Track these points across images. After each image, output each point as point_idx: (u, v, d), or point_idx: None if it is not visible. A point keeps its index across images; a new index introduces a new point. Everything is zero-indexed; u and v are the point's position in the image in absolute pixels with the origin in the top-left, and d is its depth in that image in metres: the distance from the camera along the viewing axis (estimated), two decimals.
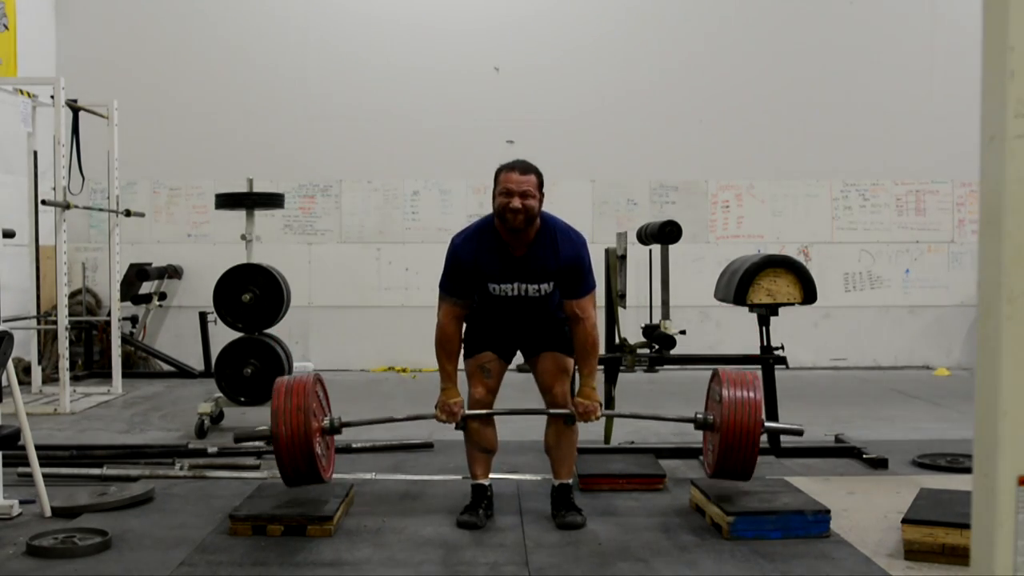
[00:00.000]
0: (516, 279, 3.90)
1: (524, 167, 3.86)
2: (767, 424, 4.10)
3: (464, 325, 4.06)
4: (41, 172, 7.46)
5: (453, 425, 4.00)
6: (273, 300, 6.05)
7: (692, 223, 8.94)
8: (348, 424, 4.12)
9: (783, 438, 5.25)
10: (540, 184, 3.87)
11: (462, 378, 3.99)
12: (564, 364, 4.04)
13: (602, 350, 4.80)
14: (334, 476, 4.68)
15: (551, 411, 4.03)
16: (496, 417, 4.11)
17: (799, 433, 4.29)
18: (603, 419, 4.20)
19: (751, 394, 3.95)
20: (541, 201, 3.87)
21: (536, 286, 3.91)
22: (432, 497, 4.42)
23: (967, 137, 8.91)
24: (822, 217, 9.57)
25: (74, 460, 4.96)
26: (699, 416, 4.11)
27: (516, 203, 3.77)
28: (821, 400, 7.40)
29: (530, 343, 4.09)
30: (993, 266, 1.43)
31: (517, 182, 3.79)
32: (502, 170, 3.88)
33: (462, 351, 4.05)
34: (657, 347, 5.31)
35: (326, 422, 4.05)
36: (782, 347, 5.28)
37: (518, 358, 4.22)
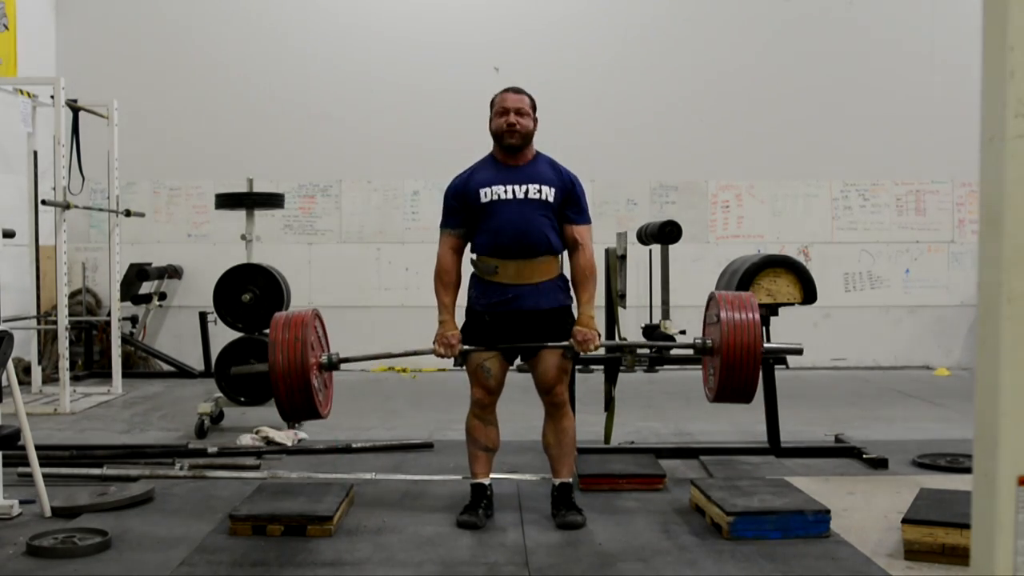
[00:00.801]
0: (511, 182, 3.95)
1: (517, 89, 4.07)
2: (766, 345, 4.09)
3: (464, 318, 4.05)
4: (41, 172, 7.46)
5: (452, 361, 3.99)
6: (273, 300, 6.05)
7: (692, 223, 8.94)
8: (346, 360, 4.10)
9: (783, 438, 5.25)
10: (534, 107, 4.03)
11: (463, 393, 3.99)
12: (564, 365, 4.03)
13: (602, 350, 4.79)
14: (334, 476, 4.70)
15: (551, 344, 3.95)
16: (498, 419, 4.09)
17: (799, 352, 4.29)
18: (601, 351, 4.16)
19: (749, 315, 3.95)
20: (535, 124, 4.03)
21: (536, 187, 3.94)
22: (432, 497, 4.42)
23: (967, 137, 8.89)
24: (822, 217, 9.57)
25: (74, 460, 4.97)
26: (698, 341, 4.13)
27: (512, 119, 3.93)
28: (821, 400, 7.40)
29: (531, 336, 4.06)
30: (993, 266, 1.43)
31: (512, 101, 3.98)
32: (496, 95, 4.05)
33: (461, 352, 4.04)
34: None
35: (324, 357, 4.05)
36: None
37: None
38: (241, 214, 6.36)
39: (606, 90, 9.41)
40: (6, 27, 8.20)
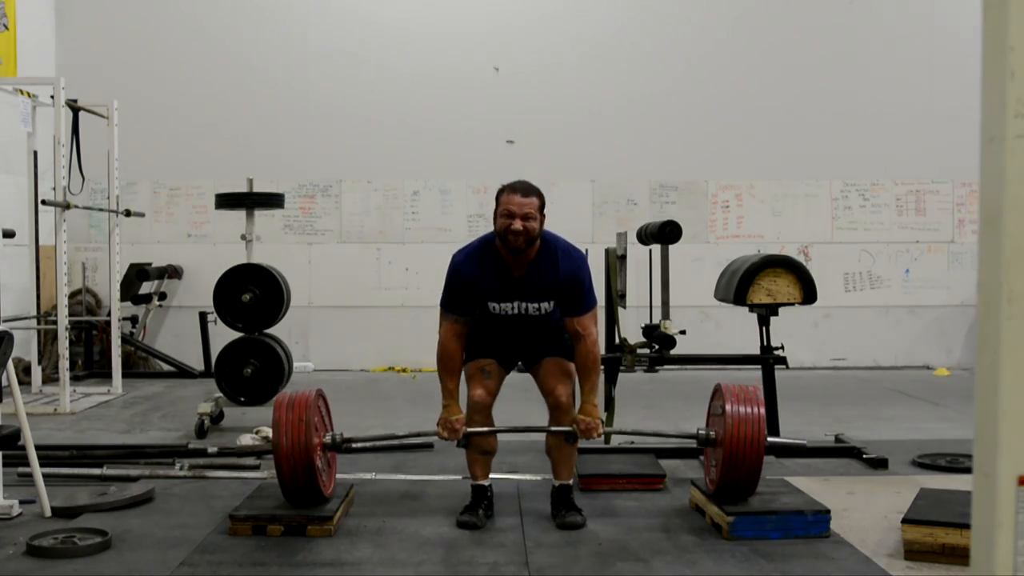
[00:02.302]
0: (516, 298, 3.94)
1: (526, 189, 3.89)
2: (770, 439, 4.08)
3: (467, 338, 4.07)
4: (41, 172, 7.46)
5: (455, 443, 4.00)
6: (273, 300, 6.05)
7: (692, 223, 8.94)
8: (350, 440, 4.10)
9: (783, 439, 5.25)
10: (542, 206, 3.89)
11: (463, 395, 3.99)
12: (566, 367, 4.05)
13: (602, 350, 4.80)
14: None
15: (553, 428, 4.03)
16: (497, 420, 4.10)
17: (803, 448, 4.29)
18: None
19: (754, 409, 3.93)
20: (542, 223, 3.90)
21: (536, 304, 3.94)
22: (432, 497, 4.42)
23: (967, 137, 8.92)
24: (822, 217, 9.57)
25: (74, 460, 4.96)
26: (701, 432, 4.09)
27: (518, 225, 3.79)
28: (821, 400, 7.40)
29: (531, 354, 4.11)
30: (993, 266, 1.43)
31: (519, 204, 3.82)
32: (503, 191, 3.90)
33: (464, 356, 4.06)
34: (657, 347, 5.31)
35: (327, 438, 4.05)
36: (782, 347, 5.28)
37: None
38: (241, 214, 6.36)
39: (606, 90, 9.41)
40: (6, 27, 8.20)
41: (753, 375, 5.38)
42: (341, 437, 4.07)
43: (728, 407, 3.92)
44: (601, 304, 4.53)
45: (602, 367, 4.98)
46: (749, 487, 3.93)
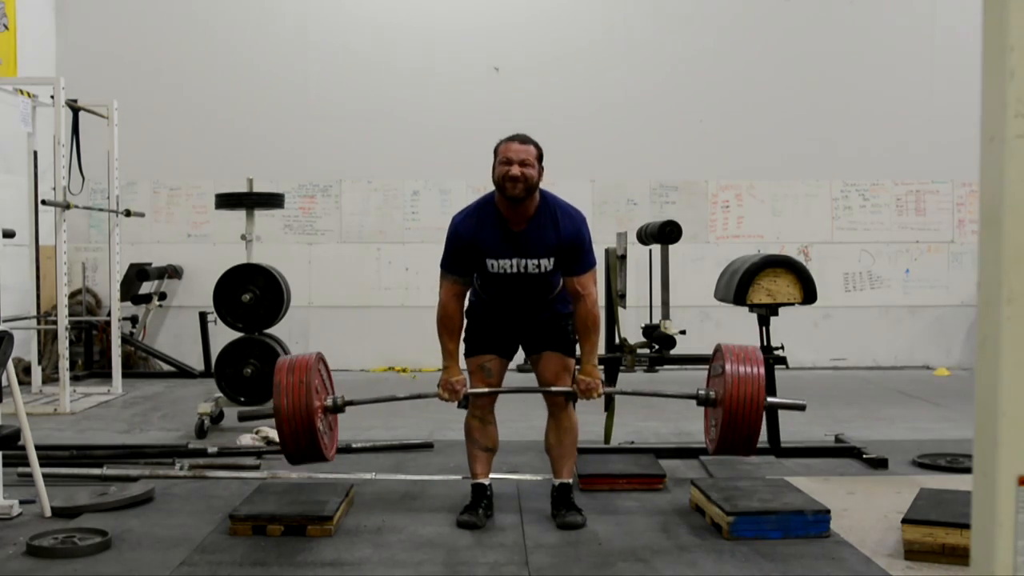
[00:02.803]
0: (515, 254, 3.89)
1: (523, 138, 3.92)
2: (769, 399, 4.09)
3: (465, 321, 4.06)
4: (41, 172, 7.46)
5: (456, 404, 3.99)
6: (273, 300, 6.05)
7: (692, 223, 8.94)
8: (351, 403, 4.09)
9: (783, 438, 5.25)
10: (540, 156, 3.90)
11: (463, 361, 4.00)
12: (566, 363, 4.05)
13: (602, 350, 4.80)
14: (334, 476, 4.70)
15: (553, 389, 4.01)
16: (497, 417, 4.11)
17: (802, 408, 4.28)
18: (603, 398, 4.19)
19: (753, 369, 3.94)
20: (540, 174, 3.89)
21: (536, 261, 3.89)
22: (432, 497, 4.42)
23: (967, 137, 8.91)
24: (822, 217, 9.57)
25: (74, 460, 4.96)
26: (701, 392, 4.11)
27: (515, 171, 3.79)
28: (821, 400, 7.39)
29: (532, 339, 4.08)
30: (993, 266, 1.43)
31: (516, 151, 3.84)
32: (501, 142, 3.92)
33: (463, 350, 4.05)
34: (657, 347, 5.31)
35: (328, 400, 4.05)
36: (782, 347, 5.28)
37: (518, 357, 4.22)
38: (241, 214, 6.36)
39: (606, 90, 9.41)
40: (6, 27, 8.20)
41: None
42: (342, 399, 4.06)
43: (728, 367, 3.94)
44: (601, 304, 4.53)
45: (601, 367, 4.98)
46: (748, 446, 3.94)
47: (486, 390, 4.00)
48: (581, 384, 3.94)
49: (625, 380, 5.94)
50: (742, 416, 3.86)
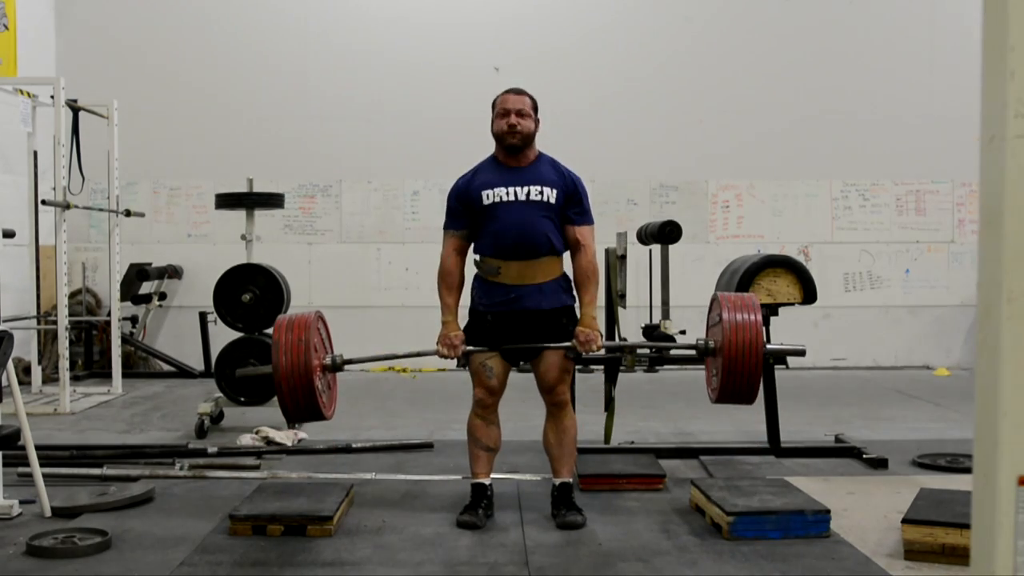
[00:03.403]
0: (513, 184, 3.95)
1: (518, 90, 4.06)
2: (768, 346, 4.09)
3: (467, 318, 4.06)
4: (41, 172, 7.46)
5: (456, 362, 4.00)
6: (273, 300, 6.05)
7: (692, 223, 8.94)
8: (350, 361, 4.09)
9: (783, 438, 5.25)
10: (535, 107, 4.02)
11: (466, 391, 3.99)
12: (566, 365, 4.04)
13: (603, 350, 4.79)
14: (334, 476, 4.70)
15: (553, 345, 3.96)
16: (499, 419, 4.10)
17: (801, 353, 4.29)
18: (602, 352, 4.16)
19: (751, 316, 3.95)
20: (537, 125, 4.02)
21: (539, 188, 3.94)
22: (432, 497, 4.42)
23: (967, 137, 8.91)
24: (822, 217, 9.57)
25: (74, 460, 4.96)
26: (700, 342, 4.12)
27: (513, 119, 3.92)
28: (821, 400, 7.40)
29: (532, 339, 4.07)
30: (993, 266, 1.43)
31: (513, 101, 3.97)
32: (498, 95, 4.05)
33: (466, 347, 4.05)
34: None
35: (327, 359, 4.05)
36: None
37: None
38: (241, 214, 6.36)
39: (606, 90, 9.41)
40: (6, 27, 8.20)
41: None
42: (340, 358, 4.07)
43: (725, 315, 3.94)
44: (601, 304, 4.53)
45: (601, 366, 4.98)
46: (749, 393, 3.95)
47: (484, 349, 3.97)
48: (580, 336, 3.93)
49: (625, 380, 5.95)
50: (742, 362, 3.88)
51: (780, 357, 5.23)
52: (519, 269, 3.95)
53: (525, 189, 3.94)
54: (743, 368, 3.88)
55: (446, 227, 4.09)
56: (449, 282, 4.00)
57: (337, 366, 4.06)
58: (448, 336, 3.95)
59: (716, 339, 4.04)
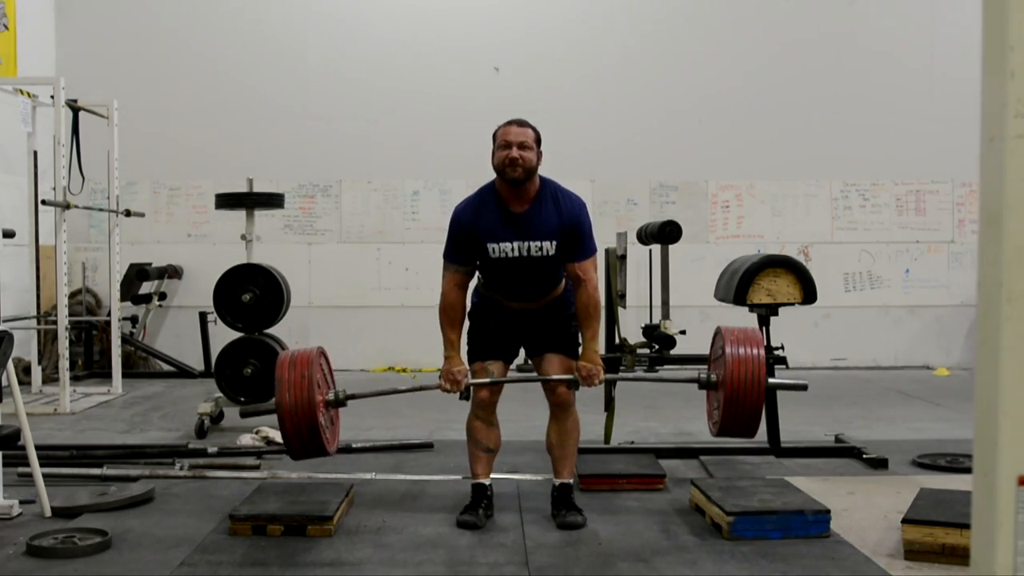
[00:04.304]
0: (517, 237, 3.89)
1: (521, 122, 3.95)
2: (770, 380, 4.09)
3: (467, 323, 4.07)
4: (41, 172, 7.46)
5: (458, 395, 4.00)
6: (273, 300, 6.05)
7: (692, 223, 8.94)
8: (353, 396, 4.09)
9: (783, 438, 5.25)
10: (538, 140, 3.93)
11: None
12: (569, 366, 4.04)
13: (602, 350, 4.80)
14: (334, 476, 4.70)
15: (554, 377, 4.00)
16: (498, 418, 4.11)
17: (803, 388, 4.29)
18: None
19: (754, 350, 3.95)
20: (539, 158, 3.92)
21: (539, 244, 3.89)
22: (432, 497, 4.42)
23: (967, 137, 8.91)
24: (822, 217, 9.57)
25: (74, 460, 4.96)
26: (702, 376, 4.11)
27: (515, 153, 3.81)
28: (821, 400, 7.39)
29: (534, 342, 4.09)
30: (993, 266, 1.43)
31: (515, 134, 3.87)
32: (499, 127, 3.95)
33: (464, 351, 4.05)
34: (657, 347, 5.31)
35: (330, 395, 4.05)
36: (782, 347, 5.27)
37: (519, 358, 4.21)
38: (241, 214, 6.36)
39: (606, 90, 9.41)
40: (6, 27, 8.20)
41: None
42: (344, 393, 4.07)
43: (728, 348, 3.94)
44: (601, 304, 4.53)
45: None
46: (750, 428, 3.94)
47: (487, 380, 3.98)
48: (583, 371, 3.95)
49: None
50: (743, 397, 3.87)
51: (780, 358, 5.23)
52: (521, 304, 4.04)
53: (527, 245, 3.89)
54: (744, 403, 3.88)
55: (448, 258, 4.00)
56: (452, 317, 3.97)
57: (340, 401, 4.07)
58: (451, 372, 3.95)
59: (718, 372, 4.04)
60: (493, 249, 3.90)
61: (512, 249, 3.89)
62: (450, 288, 3.97)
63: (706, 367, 4.30)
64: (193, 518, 4.04)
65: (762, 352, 3.96)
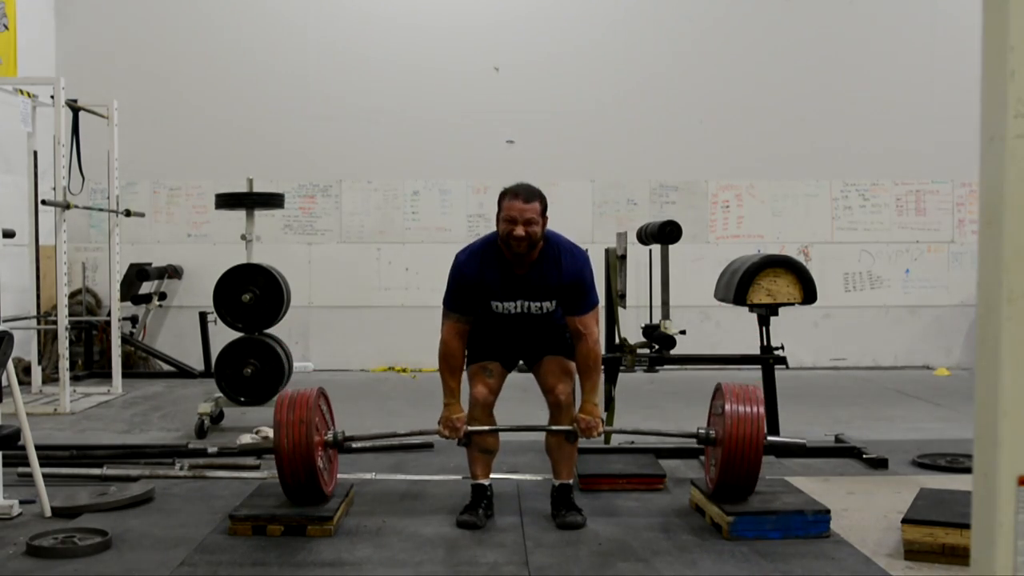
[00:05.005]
0: (519, 297, 3.94)
1: (528, 194, 3.87)
2: (769, 438, 4.08)
3: (469, 339, 4.08)
4: (41, 172, 7.46)
5: (456, 441, 4.01)
6: (273, 300, 6.05)
7: (692, 223, 8.94)
8: (351, 439, 4.13)
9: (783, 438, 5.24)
10: (544, 210, 3.89)
11: (464, 392, 4.00)
12: (567, 366, 4.05)
13: (603, 350, 4.80)
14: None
15: (553, 428, 4.04)
16: (497, 418, 4.11)
17: (802, 447, 4.31)
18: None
19: (754, 409, 3.94)
20: (544, 225, 3.90)
21: (539, 303, 3.95)
22: (432, 497, 4.42)
23: (967, 137, 8.91)
24: (822, 217, 9.57)
25: (74, 460, 4.96)
26: (701, 431, 4.10)
27: (520, 231, 3.81)
28: (821, 400, 7.40)
29: (532, 352, 4.12)
30: (993, 266, 1.43)
31: (520, 210, 3.82)
32: (505, 195, 3.89)
33: (465, 358, 4.07)
34: (657, 347, 5.31)
35: (329, 436, 4.05)
36: (782, 347, 5.28)
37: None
38: (241, 214, 6.36)
39: (607, 90, 9.41)
40: (6, 27, 8.20)
41: (753, 375, 5.38)
42: (342, 435, 4.08)
43: (728, 407, 3.93)
44: (601, 304, 4.53)
45: (603, 367, 4.98)
46: (748, 486, 3.94)
47: (486, 428, 4.02)
48: (582, 423, 3.97)
49: (625, 380, 5.95)
50: (741, 455, 3.86)
51: (780, 358, 5.24)
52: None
53: (527, 304, 3.94)
54: (742, 461, 3.88)
55: (448, 306, 4.00)
56: (452, 364, 3.98)
57: (338, 443, 4.09)
58: (451, 419, 3.96)
59: (717, 429, 4.03)
60: (497, 306, 3.96)
61: (515, 307, 3.96)
62: (450, 336, 3.98)
63: (705, 425, 4.28)
64: (193, 518, 4.04)
65: (762, 410, 3.95)
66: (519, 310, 3.97)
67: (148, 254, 9.17)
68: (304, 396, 3.95)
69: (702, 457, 5.14)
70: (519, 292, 3.94)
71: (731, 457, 3.87)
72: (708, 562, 3.50)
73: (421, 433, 4.25)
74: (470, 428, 3.98)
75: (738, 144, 9.47)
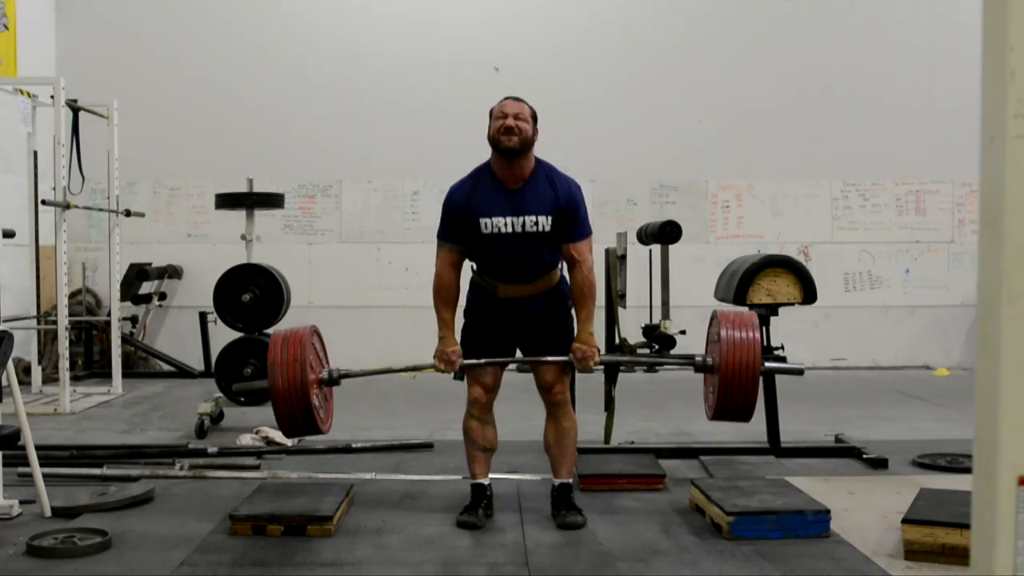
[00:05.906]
0: (510, 212, 3.88)
1: (517, 97, 3.98)
2: (766, 364, 4.10)
3: (462, 321, 4.06)
4: (41, 172, 7.46)
5: (452, 375, 3.99)
6: (273, 300, 6.05)
7: (692, 223, 8.93)
8: (346, 375, 4.10)
9: (783, 439, 5.25)
10: (535, 118, 3.94)
11: (463, 392, 3.99)
12: (564, 365, 4.04)
13: (602, 350, 4.79)
14: (334, 476, 4.70)
15: (549, 359, 3.98)
16: (496, 419, 4.11)
17: (800, 372, 4.30)
18: (601, 367, 4.16)
19: (749, 333, 3.95)
20: (535, 134, 3.93)
21: (533, 219, 3.88)
22: (432, 497, 4.42)
23: (967, 137, 8.91)
24: (822, 217, 9.57)
25: (74, 460, 4.96)
26: (698, 359, 4.11)
27: (510, 121, 3.83)
28: (821, 400, 7.39)
29: (530, 343, 4.08)
30: (993, 266, 1.43)
31: (510, 107, 3.90)
32: (496, 104, 3.97)
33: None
34: (657, 347, 5.30)
35: (324, 373, 4.05)
36: (782, 347, 5.27)
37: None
38: (241, 214, 6.36)
39: (606, 90, 9.41)
40: (6, 27, 8.20)
41: None
42: (337, 372, 4.07)
43: (723, 332, 3.95)
44: (601, 304, 4.53)
45: (601, 367, 4.97)
46: (746, 411, 3.95)
47: (482, 362, 3.98)
48: (577, 352, 3.93)
49: (625, 380, 5.94)
50: (739, 381, 3.88)
51: (780, 358, 5.23)
52: (516, 288, 3.99)
53: (521, 220, 3.88)
54: (740, 386, 3.88)
55: (441, 237, 4.00)
56: (446, 297, 3.96)
57: (333, 380, 4.08)
58: (445, 352, 3.95)
59: (714, 356, 4.04)
60: (486, 224, 3.89)
61: (505, 224, 3.88)
62: (444, 268, 3.97)
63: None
64: (193, 518, 4.04)
65: (757, 335, 3.97)
66: (510, 228, 3.87)
67: (148, 254, 9.17)
68: (297, 335, 3.94)
69: (702, 457, 5.15)
70: (512, 207, 3.87)
71: (729, 382, 3.88)
72: (708, 562, 3.50)
73: (416, 368, 4.21)
74: (465, 361, 3.96)
75: (738, 144, 9.47)
